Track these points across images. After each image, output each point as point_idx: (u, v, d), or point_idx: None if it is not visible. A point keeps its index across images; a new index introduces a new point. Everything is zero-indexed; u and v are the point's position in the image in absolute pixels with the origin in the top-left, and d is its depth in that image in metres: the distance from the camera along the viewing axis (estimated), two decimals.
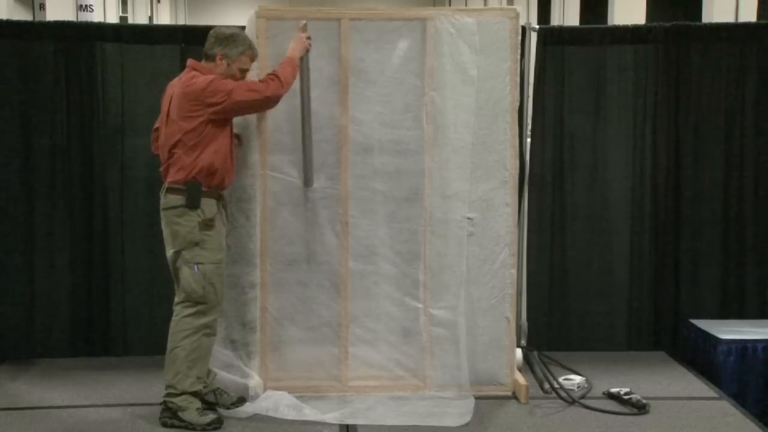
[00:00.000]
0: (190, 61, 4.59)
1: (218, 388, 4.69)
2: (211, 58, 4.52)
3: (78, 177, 5.63)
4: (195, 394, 4.49)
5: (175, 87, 4.54)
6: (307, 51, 4.72)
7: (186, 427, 4.44)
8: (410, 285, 5.00)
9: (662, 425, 4.58)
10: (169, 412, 4.48)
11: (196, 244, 4.45)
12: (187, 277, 4.46)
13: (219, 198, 4.56)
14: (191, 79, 4.48)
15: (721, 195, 5.87)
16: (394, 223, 4.99)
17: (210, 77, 4.45)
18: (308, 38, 4.72)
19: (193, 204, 4.43)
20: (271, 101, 4.56)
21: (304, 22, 4.75)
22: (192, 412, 4.46)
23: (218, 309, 4.56)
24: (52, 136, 5.59)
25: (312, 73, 4.88)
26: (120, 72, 5.62)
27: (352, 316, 4.97)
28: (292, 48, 4.67)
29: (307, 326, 4.99)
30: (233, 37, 4.52)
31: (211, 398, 4.65)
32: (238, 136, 4.76)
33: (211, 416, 4.48)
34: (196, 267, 4.45)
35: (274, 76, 4.54)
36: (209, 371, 4.65)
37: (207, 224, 4.46)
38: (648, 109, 5.83)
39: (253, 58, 4.58)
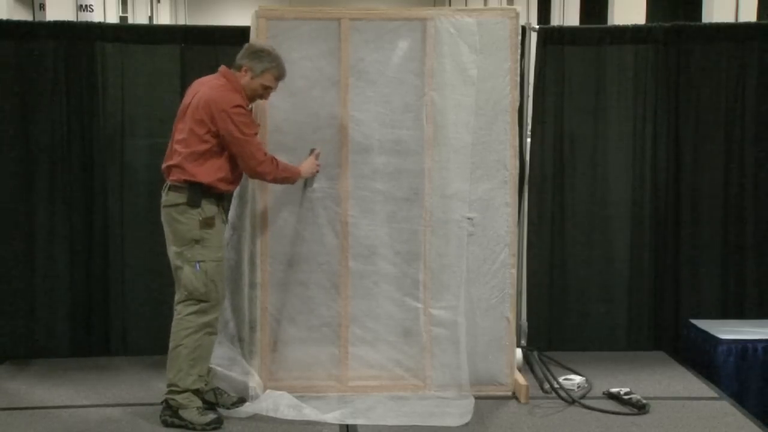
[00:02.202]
0: (222, 68, 4.58)
1: (218, 388, 4.70)
2: (238, 68, 4.53)
3: (78, 177, 5.63)
4: (196, 392, 4.50)
5: (203, 86, 4.53)
6: (314, 174, 4.86)
7: (186, 426, 4.44)
8: (410, 285, 5.00)
9: (662, 425, 4.58)
10: (170, 410, 4.49)
11: (197, 242, 4.46)
12: (189, 275, 4.46)
13: (220, 198, 4.56)
14: (220, 89, 4.46)
15: (721, 195, 5.87)
16: (394, 223, 4.99)
17: (237, 103, 4.42)
18: (318, 165, 4.84)
19: (193, 202, 4.44)
20: (256, 174, 4.58)
21: (317, 150, 4.84)
22: (192, 411, 4.46)
23: (219, 307, 4.56)
24: (52, 136, 5.59)
25: (312, 72, 4.89)
26: (120, 72, 5.62)
27: (352, 316, 4.97)
28: (304, 167, 4.77)
29: (307, 326, 4.99)
30: (260, 53, 4.52)
31: (210, 397, 4.65)
32: None
33: (211, 416, 4.48)
34: (197, 265, 4.45)
35: (276, 165, 4.57)
36: (210, 370, 4.66)
37: (207, 223, 4.46)
38: (648, 109, 5.83)
39: (278, 77, 4.56)
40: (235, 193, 4.85)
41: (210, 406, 4.61)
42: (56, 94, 5.58)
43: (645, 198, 5.87)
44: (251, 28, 4.91)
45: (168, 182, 4.51)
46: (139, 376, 5.27)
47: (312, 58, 4.89)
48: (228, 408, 4.64)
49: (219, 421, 4.48)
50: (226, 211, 4.75)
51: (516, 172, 5.04)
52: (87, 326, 5.73)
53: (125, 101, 5.64)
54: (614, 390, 4.94)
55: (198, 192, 4.44)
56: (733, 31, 5.95)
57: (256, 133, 4.53)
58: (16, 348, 5.65)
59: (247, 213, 4.91)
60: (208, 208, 4.47)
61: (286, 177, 4.66)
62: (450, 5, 25.25)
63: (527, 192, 5.52)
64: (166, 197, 4.52)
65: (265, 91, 4.58)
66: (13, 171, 5.59)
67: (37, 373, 5.37)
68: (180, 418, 4.46)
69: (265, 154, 4.56)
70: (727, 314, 5.88)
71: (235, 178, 4.59)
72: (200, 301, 4.47)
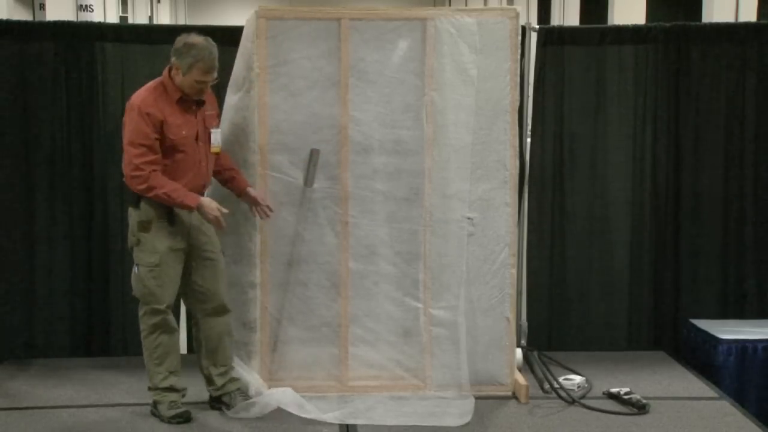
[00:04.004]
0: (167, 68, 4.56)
1: (233, 392, 4.70)
2: (172, 66, 4.46)
3: (78, 177, 5.63)
4: (169, 389, 4.56)
5: None
6: (211, 215, 4.41)
7: (161, 420, 4.55)
8: (410, 285, 5.00)
9: (662, 425, 4.59)
10: (154, 405, 4.62)
11: (137, 244, 4.50)
12: (132, 276, 4.53)
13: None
14: (140, 89, 4.52)
15: (721, 195, 5.87)
16: (394, 223, 4.99)
17: (136, 104, 4.39)
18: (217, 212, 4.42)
19: (134, 203, 4.48)
20: (128, 181, 4.37)
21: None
22: (164, 405, 4.56)
23: (163, 311, 4.50)
24: (52, 135, 5.59)
25: (312, 72, 4.89)
26: (120, 72, 5.61)
27: (352, 316, 4.97)
28: (204, 200, 4.41)
29: (307, 326, 4.99)
30: (185, 48, 4.40)
31: (227, 399, 4.69)
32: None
33: (176, 411, 4.54)
34: (136, 267, 4.50)
35: (157, 185, 4.30)
36: (227, 374, 4.69)
37: (143, 226, 4.46)
38: (648, 109, 5.83)
39: (206, 70, 4.37)
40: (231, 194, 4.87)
41: (226, 407, 4.66)
42: (56, 94, 5.58)
43: (645, 198, 5.87)
44: (245, 28, 4.89)
45: None
46: (139, 376, 5.25)
47: (312, 58, 4.88)
48: (231, 408, 4.65)
49: (182, 416, 4.53)
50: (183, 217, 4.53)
51: (516, 172, 5.04)
52: (87, 326, 5.73)
53: (125, 101, 5.58)
54: (614, 390, 4.94)
55: (136, 194, 4.45)
56: (733, 31, 5.95)
57: (144, 144, 4.33)
58: (16, 348, 5.65)
59: (247, 213, 4.91)
60: (146, 210, 4.45)
61: (170, 200, 4.35)
62: (450, 5, 25.26)
63: (527, 192, 5.51)
64: None
65: (200, 86, 4.43)
66: (13, 170, 5.58)
67: (37, 373, 5.37)
68: (158, 411, 4.58)
69: (149, 168, 4.32)
70: (727, 314, 5.88)
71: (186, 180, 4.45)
72: (143, 303, 4.53)
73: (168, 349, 4.56)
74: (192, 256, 4.57)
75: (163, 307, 4.49)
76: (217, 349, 4.67)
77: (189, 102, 4.49)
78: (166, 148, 4.41)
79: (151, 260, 4.46)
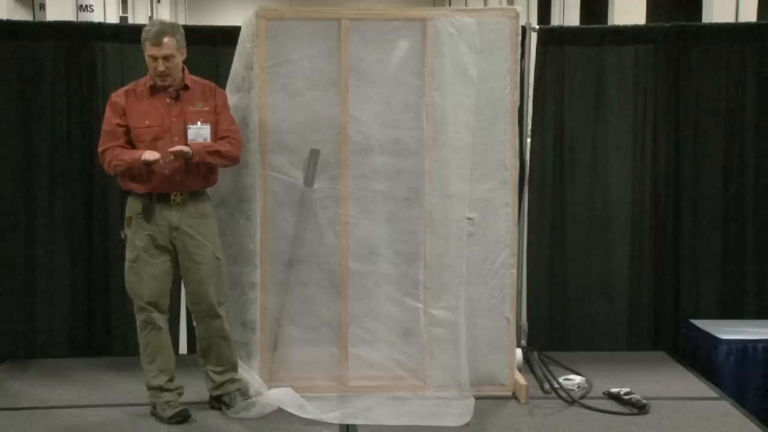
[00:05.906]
0: None
1: (233, 393, 4.69)
2: None
3: (78, 176, 5.63)
4: (159, 388, 4.57)
5: None
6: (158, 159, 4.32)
7: (160, 420, 4.54)
8: (410, 285, 5.00)
9: (662, 425, 4.58)
10: (152, 406, 4.62)
11: (125, 239, 4.57)
12: None
13: (148, 198, 4.46)
14: None
15: (721, 195, 5.87)
16: (394, 223, 4.99)
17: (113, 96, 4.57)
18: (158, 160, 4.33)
19: (124, 198, 4.57)
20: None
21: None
22: (161, 405, 4.56)
23: (142, 305, 4.52)
24: (52, 136, 5.59)
25: (312, 72, 4.89)
26: (120, 72, 5.61)
27: (352, 316, 4.97)
28: (147, 151, 4.33)
29: (307, 326, 5.00)
30: None
31: (227, 399, 4.68)
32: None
33: (174, 410, 4.53)
34: (126, 263, 4.57)
35: (110, 159, 4.43)
36: (224, 374, 4.68)
37: (127, 222, 4.53)
38: (648, 109, 5.83)
39: (152, 43, 4.35)
40: (234, 194, 4.86)
41: (226, 406, 4.65)
42: (56, 94, 5.58)
43: (645, 198, 5.87)
44: (243, 29, 4.88)
45: None
46: (139, 376, 5.23)
47: (312, 58, 4.89)
48: (231, 408, 4.65)
49: (181, 415, 4.53)
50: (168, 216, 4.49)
51: (516, 172, 5.04)
52: (87, 326, 5.73)
53: None
54: (614, 390, 4.94)
55: (124, 191, 4.55)
56: (733, 31, 5.95)
57: (105, 131, 4.50)
58: (16, 348, 5.65)
59: (247, 213, 4.91)
60: (130, 206, 4.53)
61: (125, 163, 4.38)
62: (450, 5, 25.25)
63: (527, 192, 5.51)
64: None
65: (155, 62, 4.38)
66: (14, 171, 5.59)
67: (37, 373, 5.37)
68: (156, 411, 4.58)
69: (105, 147, 4.47)
70: (727, 314, 5.88)
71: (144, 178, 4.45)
72: (133, 299, 4.58)
73: (156, 348, 4.57)
74: (181, 258, 4.56)
75: (143, 303, 4.52)
76: (210, 349, 4.67)
77: (162, 92, 4.48)
78: (132, 138, 4.48)
79: (130, 256, 4.53)
